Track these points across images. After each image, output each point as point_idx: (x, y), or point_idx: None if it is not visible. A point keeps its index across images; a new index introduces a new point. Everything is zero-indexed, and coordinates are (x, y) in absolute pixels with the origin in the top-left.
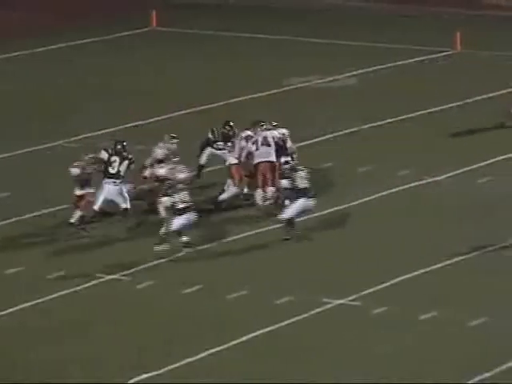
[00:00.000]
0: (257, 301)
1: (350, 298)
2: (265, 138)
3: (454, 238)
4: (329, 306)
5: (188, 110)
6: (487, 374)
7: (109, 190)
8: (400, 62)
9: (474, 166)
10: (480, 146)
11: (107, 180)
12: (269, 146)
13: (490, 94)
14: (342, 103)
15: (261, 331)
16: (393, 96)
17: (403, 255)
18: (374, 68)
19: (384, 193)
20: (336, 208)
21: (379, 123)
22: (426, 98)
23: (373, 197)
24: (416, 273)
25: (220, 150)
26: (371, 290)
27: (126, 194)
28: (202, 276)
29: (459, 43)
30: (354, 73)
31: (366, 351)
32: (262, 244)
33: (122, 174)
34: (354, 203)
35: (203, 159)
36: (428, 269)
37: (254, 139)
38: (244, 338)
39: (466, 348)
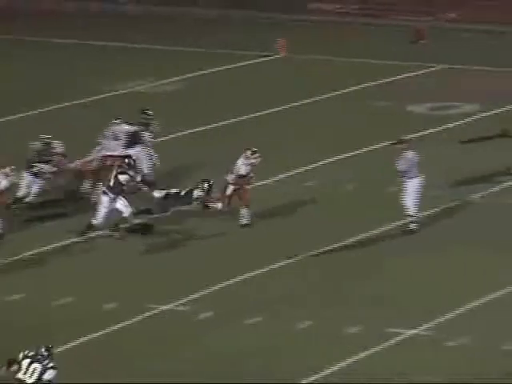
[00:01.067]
0: (83, 307)
1: (177, 303)
2: (114, 132)
3: (285, 239)
4: (155, 311)
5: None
6: (322, 374)
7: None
8: (225, 67)
9: (309, 168)
10: (307, 150)
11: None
12: (117, 139)
13: (315, 98)
14: (173, 106)
15: (88, 337)
16: (221, 100)
17: (232, 258)
18: (202, 72)
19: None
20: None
21: (210, 126)
22: (252, 102)
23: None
24: (244, 276)
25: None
26: (199, 295)
27: (120, 204)
28: (26, 284)
29: (284, 48)
30: (181, 77)
31: (192, 354)
32: (86, 249)
33: (110, 183)
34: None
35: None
36: (257, 272)
37: (105, 131)
38: (72, 344)
39: (295, 349)
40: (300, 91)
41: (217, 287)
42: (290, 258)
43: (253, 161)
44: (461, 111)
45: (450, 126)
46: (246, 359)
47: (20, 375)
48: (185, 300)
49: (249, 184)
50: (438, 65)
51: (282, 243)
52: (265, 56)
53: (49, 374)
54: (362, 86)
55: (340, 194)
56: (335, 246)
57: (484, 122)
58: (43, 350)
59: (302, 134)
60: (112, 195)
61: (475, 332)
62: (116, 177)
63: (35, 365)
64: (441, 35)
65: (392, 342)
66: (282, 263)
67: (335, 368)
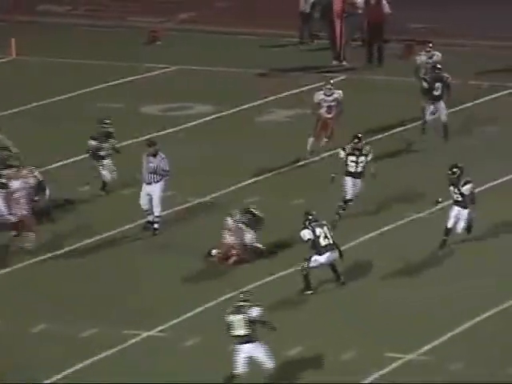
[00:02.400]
0: None
1: None
2: None
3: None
4: None
5: None
6: (59, 376)
7: None
8: None
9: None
10: (41, 153)
11: None
12: None
13: (46, 101)
14: None
15: None
16: None
17: None
18: None
19: None
20: None
21: None
22: None
23: None
24: None
25: None
26: None
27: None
28: None
29: (14, 49)
30: None
31: None
32: None
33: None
34: None
35: None
36: None
37: None
38: None
39: (31, 352)
40: (30, 94)
41: None
42: None
43: None
44: (195, 112)
45: (185, 126)
46: None
47: (236, 332)
48: None
49: None
50: (172, 66)
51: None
52: None
53: (255, 312)
54: (94, 88)
55: (80, 197)
56: (68, 249)
57: (218, 123)
58: (241, 296)
59: (32, 137)
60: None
61: (207, 332)
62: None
63: (240, 316)
64: (176, 36)
65: (129, 343)
66: (8, 269)
67: (71, 370)
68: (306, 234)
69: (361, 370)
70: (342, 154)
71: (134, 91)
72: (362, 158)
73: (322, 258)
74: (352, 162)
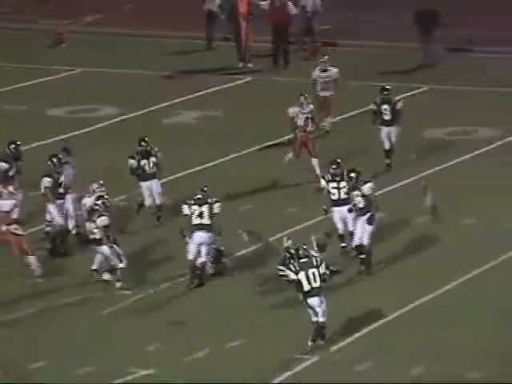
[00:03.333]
0: None
1: None
2: None
3: None
4: None
5: None
6: None
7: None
8: None
9: None
10: None
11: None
12: None
13: None
14: None
15: None
16: None
17: None
18: None
19: None
20: None
21: None
22: None
23: None
24: None
25: None
26: None
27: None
28: None
29: None
30: None
31: None
32: None
33: None
34: None
35: None
36: None
37: None
38: None
39: None
40: None
41: None
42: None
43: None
44: (101, 114)
45: (91, 128)
46: None
47: (305, 288)
48: None
49: None
50: (78, 68)
51: None
52: None
53: (323, 268)
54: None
55: None
56: None
57: (125, 125)
58: (302, 252)
59: None
60: None
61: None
62: None
63: (312, 270)
64: (82, 39)
65: None
66: None
67: None
68: (184, 208)
69: (270, 370)
70: (323, 182)
71: (40, 93)
72: (344, 184)
73: (192, 240)
74: (334, 188)
